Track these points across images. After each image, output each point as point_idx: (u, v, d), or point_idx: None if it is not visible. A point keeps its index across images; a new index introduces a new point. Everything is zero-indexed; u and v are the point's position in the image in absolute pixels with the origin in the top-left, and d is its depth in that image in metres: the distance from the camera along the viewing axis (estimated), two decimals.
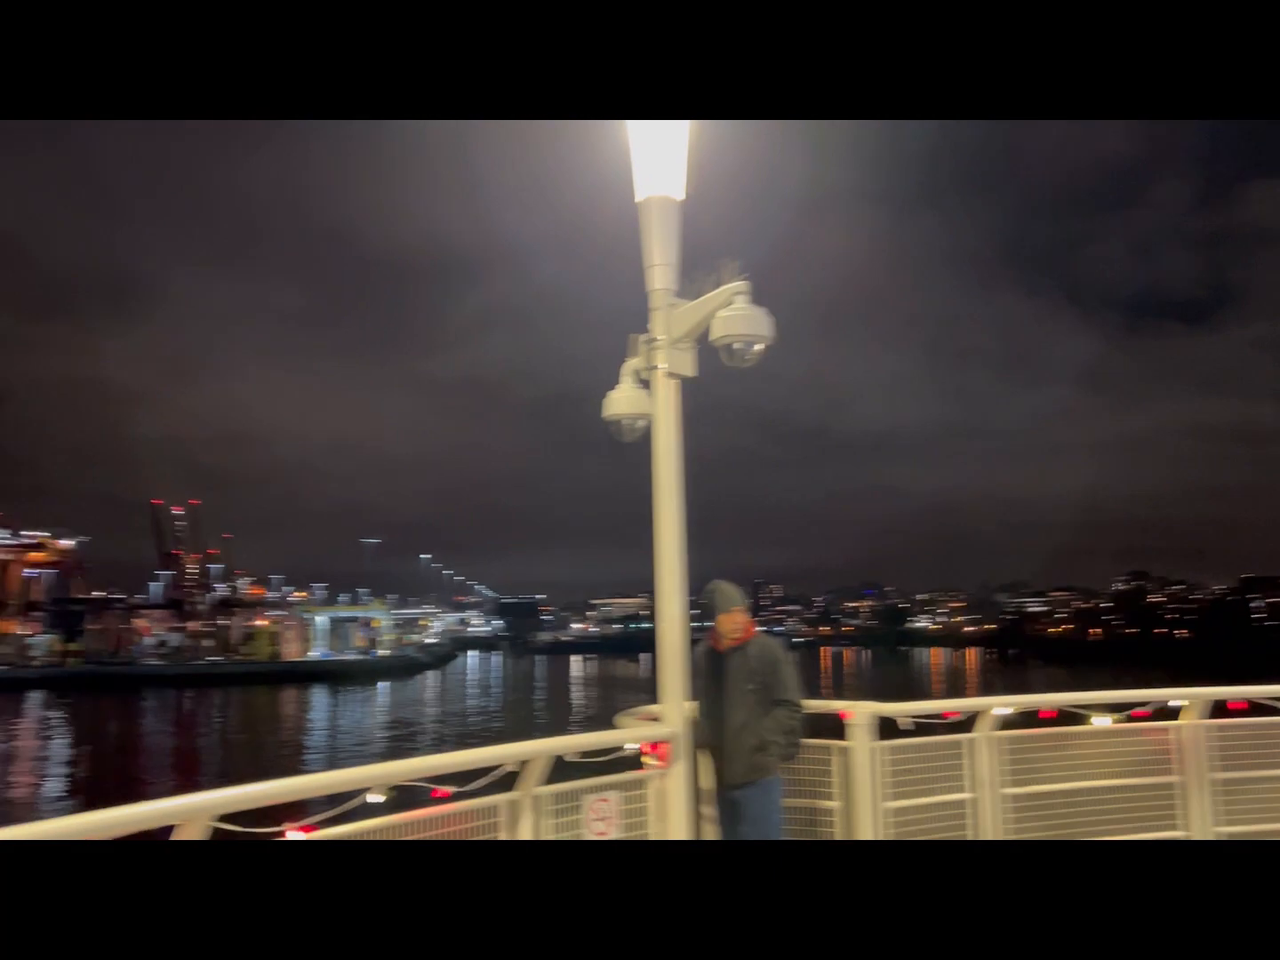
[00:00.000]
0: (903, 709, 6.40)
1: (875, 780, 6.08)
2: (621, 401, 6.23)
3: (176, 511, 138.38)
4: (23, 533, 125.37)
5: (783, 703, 5.90)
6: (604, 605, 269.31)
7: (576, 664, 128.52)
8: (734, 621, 6.09)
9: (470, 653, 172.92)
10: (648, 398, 6.07)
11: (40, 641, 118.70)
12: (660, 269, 5.93)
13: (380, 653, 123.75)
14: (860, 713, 6.17)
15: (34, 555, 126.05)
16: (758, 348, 5.63)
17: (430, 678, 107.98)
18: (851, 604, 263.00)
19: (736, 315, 5.58)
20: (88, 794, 38.02)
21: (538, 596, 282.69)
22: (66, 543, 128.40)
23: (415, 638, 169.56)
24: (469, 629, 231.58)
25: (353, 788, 4.11)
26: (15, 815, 34.01)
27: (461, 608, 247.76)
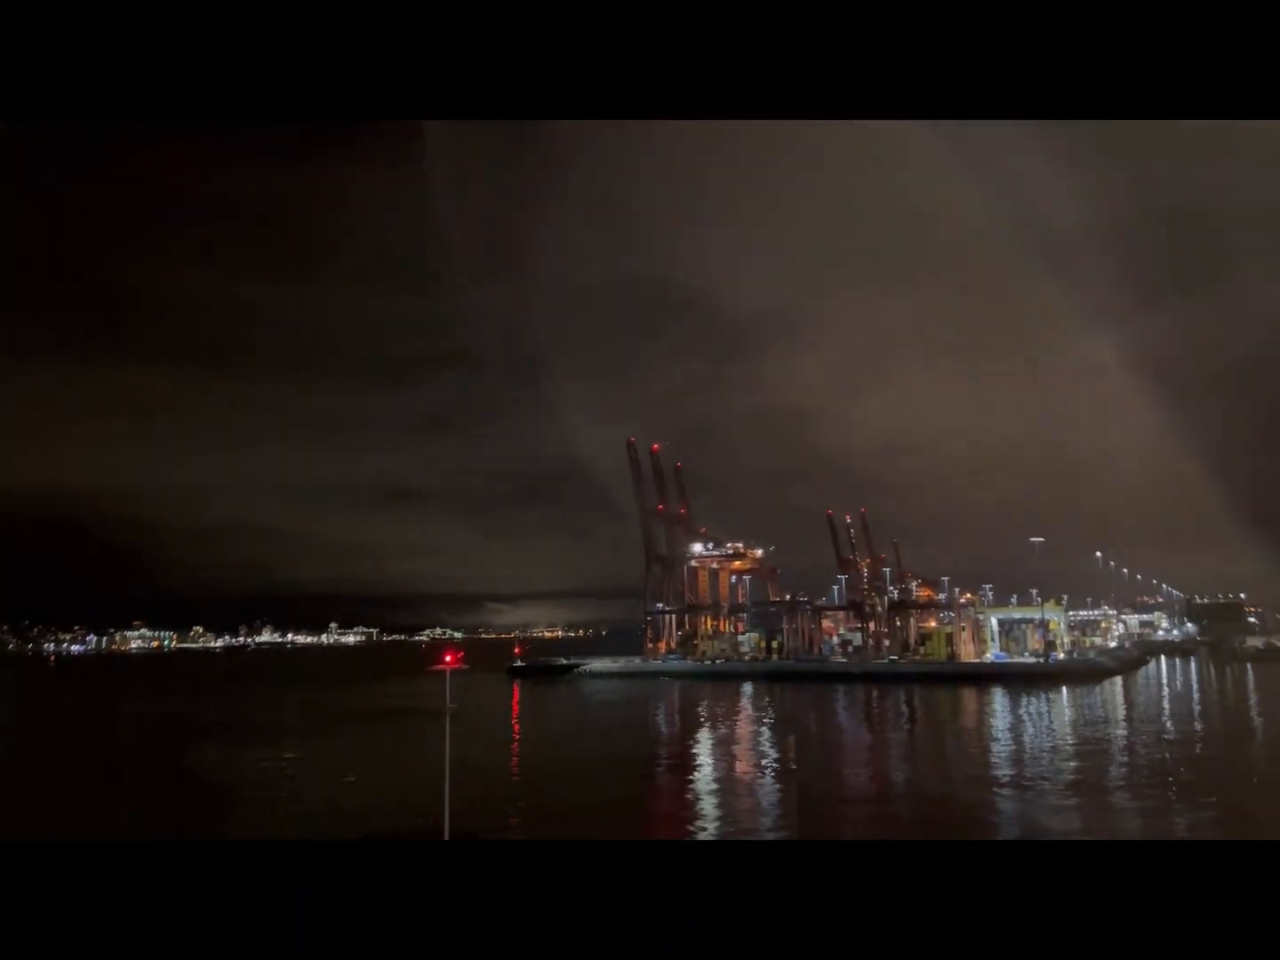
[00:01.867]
0: None
1: None
2: None
3: (848, 520, 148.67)
4: (725, 545, 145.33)
5: None
6: None
7: None
8: None
9: (1160, 659, 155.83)
10: None
11: (747, 639, 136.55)
12: None
13: (1058, 656, 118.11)
14: None
15: (736, 564, 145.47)
16: None
17: (1117, 685, 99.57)
18: None
19: None
20: (793, 777, 42.08)
21: (1240, 596, 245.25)
22: (759, 552, 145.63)
23: (1095, 641, 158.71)
24: (1157, 633, 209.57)
25: None
26: (739, 791, 38.91)
27: (1145, 609, 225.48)
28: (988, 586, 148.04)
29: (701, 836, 27.71)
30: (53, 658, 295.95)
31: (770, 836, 28.26)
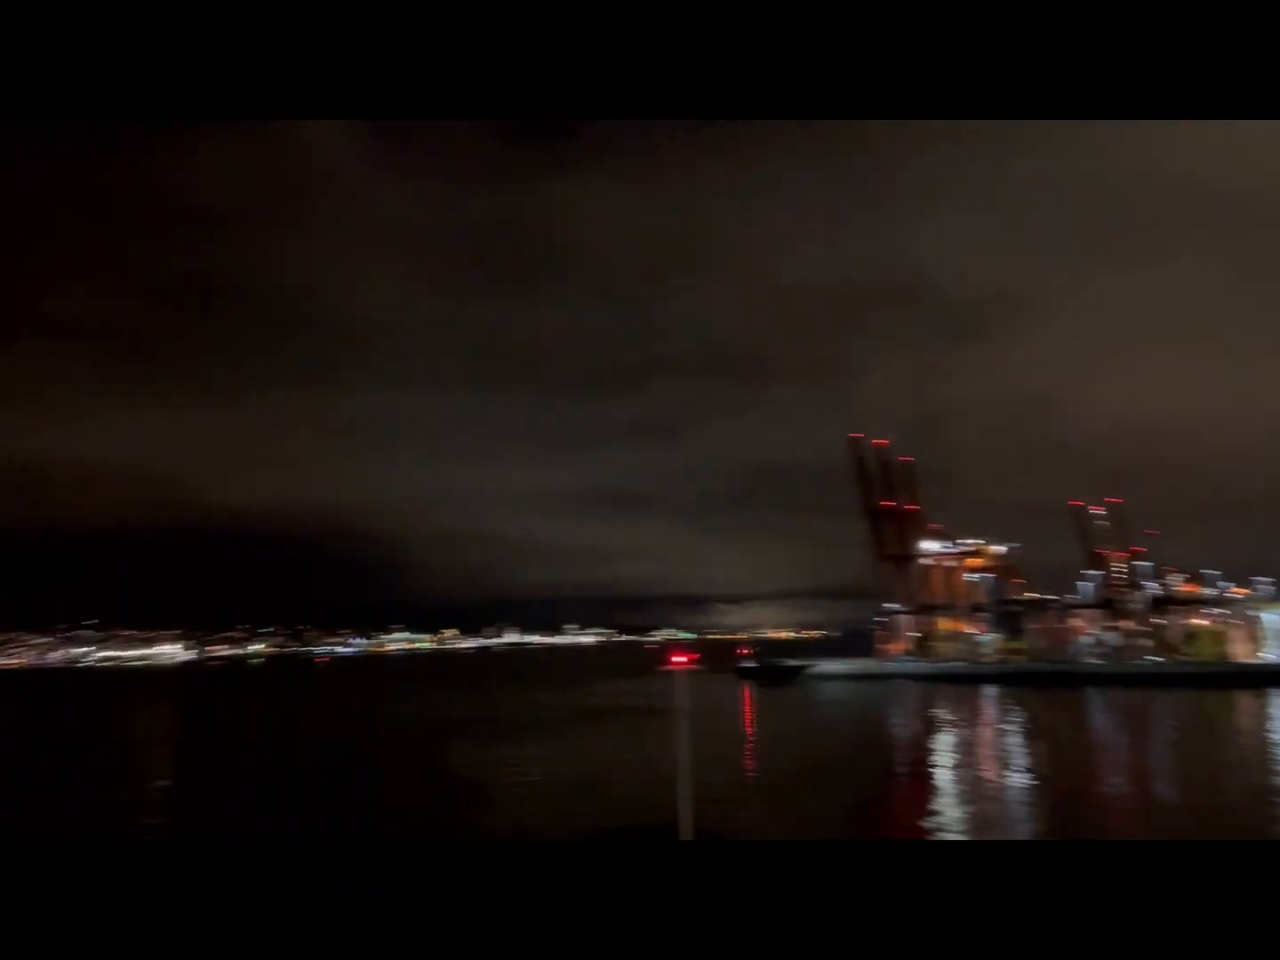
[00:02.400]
0: None
1: None
2: None
3: (1096, 511, 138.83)
4: (959, 541, 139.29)
5: None
6: None
7: None
8: None
9: None
10: None
11: (988, 640, 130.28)
12: None
13: None
14: None
15: (972, 561, 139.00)
16: None
17: None
18: None
19: None
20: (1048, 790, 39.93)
21: None
22: (998, 548, 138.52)
23: None
24: None
25: None
26: (987, 799, 37.39)
27: None
28: (1266, 580, 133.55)
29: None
30: (328, 659, 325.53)
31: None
